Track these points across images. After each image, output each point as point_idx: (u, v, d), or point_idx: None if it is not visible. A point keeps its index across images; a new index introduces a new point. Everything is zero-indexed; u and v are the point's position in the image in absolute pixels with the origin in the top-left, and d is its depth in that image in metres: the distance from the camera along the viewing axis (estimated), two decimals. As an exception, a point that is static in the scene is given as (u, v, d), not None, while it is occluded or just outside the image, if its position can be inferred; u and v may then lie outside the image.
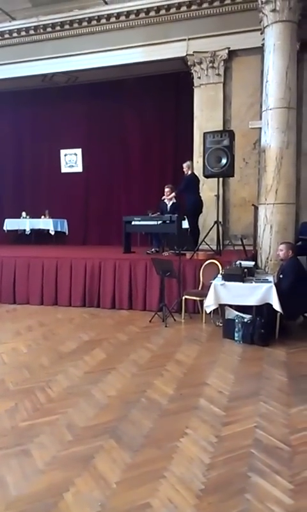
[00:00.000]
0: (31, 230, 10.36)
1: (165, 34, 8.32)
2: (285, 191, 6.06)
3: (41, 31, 9.02)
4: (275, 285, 4.80)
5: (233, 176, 7.03)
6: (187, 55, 8.32)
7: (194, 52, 8.25)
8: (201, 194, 7.26)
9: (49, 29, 8.96)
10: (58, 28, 8.91)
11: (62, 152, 11.17)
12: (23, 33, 9.16)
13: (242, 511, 1.99)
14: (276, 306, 4.62)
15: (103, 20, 8.57)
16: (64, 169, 11.23)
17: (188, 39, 8.24)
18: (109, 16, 8.50)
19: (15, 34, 9.21)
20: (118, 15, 8.42)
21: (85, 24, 8.69)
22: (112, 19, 8.51)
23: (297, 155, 6.47)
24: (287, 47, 5.96)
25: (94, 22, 8.63)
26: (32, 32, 9.09)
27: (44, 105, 10.77)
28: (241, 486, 2.18)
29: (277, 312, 4.69)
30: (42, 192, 11.20)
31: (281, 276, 5.15)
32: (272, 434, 2.69)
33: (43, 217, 10.45)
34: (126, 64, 8.78)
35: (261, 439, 2.64)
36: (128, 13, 8.36)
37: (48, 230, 10.24)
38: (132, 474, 2.29)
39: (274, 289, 4.67)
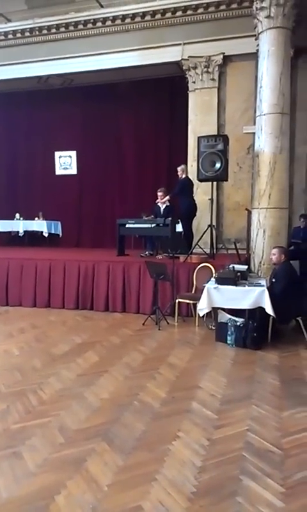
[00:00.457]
0: (25, 231, 10.32)
1: (160, 38, 8.37)
2: (278, 195, 6.10)
3: (37, 33, 9.04)
4: (268, 289, 4.83)
5: (226, 180, 7.08)
6: (182, 59, 8.38)
7: (189, 56, 8.31)
8: (195, 198, 7.28)
9: (45, 31, 8.99)
10: (54, 30, 8.94)
11: (57, 153, 11.17)
12: (18, 35, 9.18)
13: (234, 514, 2.00)
14: (269, 310, 4.64)
15: (99, 24, 8.62)
16: (59, 171, 11.24)
17: (184, 43, 8.30)
18: (104, 20, 8.55)
19: (10, 36, 9.22)
20: (114, 18, 8.47)
21: (81, 26, 8.73)
22: (108, 22, 8.56)
23: (290, 160, 6.52)
24: (281, 53, 6.02)
25: (90, 25, 8.67)
26: (27, 34, 9.11)
27: (39, 107, 10.78)
28: (233, 489, 2.18)
29: (269, 315, 4.72)
30: (36, 194, 11.18)
31: (273, 280, 5.18)
32: (264, 438, 2.70)
33: (36, 219, 10.42)
34: (121, 67, 8.83)
35: (253, 442, 2.65)
36: (123, 17, 8.40)
37: (42, 232, 10.21)
38: (124, 477, 2.28)
39: (266, 293, 4.69)
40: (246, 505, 2.06)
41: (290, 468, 2.37)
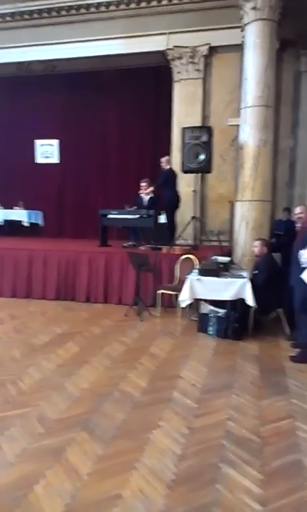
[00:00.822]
0: (4, 221, 10.13)
1: (145, 27, 8.26)
2: (261, 188, 6.13)
3: (19, 18, 8.81)
4: (250, 280, 4.86)
5: (210, 172, 7.07)
6: (167, 49, 8.30)
7: (174, 46, 8.23)
8: (178, 190, 7.27)
9: (27, 16, 8.77)
10: (36, 16, 8.73)
11: (38, 142, 10.97)
12: None
13: (213, 501, 2.01)
14: (250, 301, 4.68)
15: (83, 10, 8.45)
16: (40, 159, 11.04)
17: (169, 33, 8.22)
18: (88, 6, 8.38)
19: (-9, 20, 8.97)
20: (98, 5, 8.31)
21: (64, 12, 8.55)
22: (92, 9, 8.40)
23: (273, 153, 6.55)
24: (267, 45, 6.01)
25: (73, 12, 8.50)
26: (9, 18, 8.87)
27: (20, 94, 10.54)
28: (212, 477, 2.20)
29: (251, 307, 4.76)
30: (16, 183, 10.95)
31: (255, 272, 5.21)
32: (243, 426, 2.73)
33: (17, 208, 10.24)
34: (105, 55, 8.69)
35: (232, 430, 2.68)
36: (108, 4, 8.26)
37: (22, 222, 10.03)
38: (104, 466, 2.28)
39: (248, 285, 4.72)
40: (225, 492, 2.08)
41: (268, 456, 2.40)
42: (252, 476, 2.21)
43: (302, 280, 3.97)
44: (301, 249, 4.06)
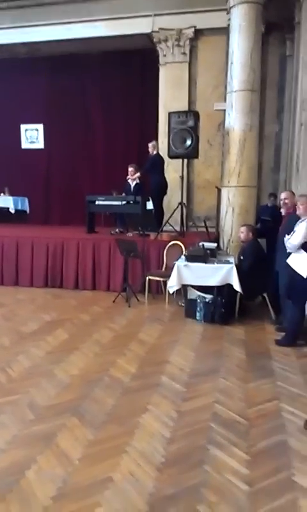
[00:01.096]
0: (-10, 208, 10.00)
1: (130, 8, 8.08)
2: (247, 174, 6.14)
3: (1, -2, 8.54)
4: (236, 266, 4.91)
5: (197, 157, 7.04)
6: (152, 31, 8.15)
7: (159, 28, 8.09)
8: (165, 175, 7.24)
9: (9, -3, 8.50)
10: (18, -4, 8.46)
11: (23, 126, 10.76)
12: (-20, 0, 8.64)
13: (201, 482, 2.08)
14: (236, 286, 4.74)
15: (67, -9, 8.22)
16: (25, 145, 10.85)
17: (154, 15, 8.06)
18: (72, -13, 8.16)
19: (-29, 1, 8.67)
20: (82, -15, 8.09)
21: (48, -7, 8.30)
22: (76, -11, 8.17)
23: (259, 138, 6.54)
24: (252, 29, 5.95)
25: (57, -8, 8.26)
26: (-10, -1, 8.59)
27: (3, 76, 10.27)
28: (200, 458, 2.26)
29: (237, 292, 4.82)
30: (1, 169, 10.76)
31: (241, 257, 5.27)
32: (230, 409, 2.80)
33: (2, 194, 10.11)
34: (88, 37, 8.50)
35: (219, 413, 2.74)
36: (92, -16, 8.05)
37: (8, 208, 9.91)
38: (94, 450, 2.32)
39: (234, 270, 4.78)
40: (213, 473, 2.15)
41: (254, 437, 2.48)
42: (239, 457, 2.28)
43: (287, 265, 4.03)
44: (286, 235, 4.11)
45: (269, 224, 6.50)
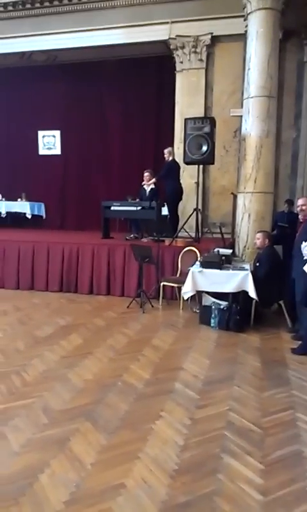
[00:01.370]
0: (7, 213, 10.16)
1: (147, 16, 8.17)
2: (264, 180, 6.11)
3: (20, 7, 8.72)
4: (252, 273, 4.87)
5: (213, 163, 7.03)
6: (169, 38, 8.22)
7: (176, 35, 8.15)
8: (181, 181, 7.25)
9: (28, 6, 8.68)
10: (38, 5, 8.64)
11: (40, 133, 10.94)
12: (1, 9, 8.84)
13: (214, 491, 2.05)
14: (252, 293, 4.69)
15: (85, -1, 8.36)
16: (42, 151, 11.02)
17: (171, 22, 8.13)
18: (90, -5, 8.29)
19: (-8, 10, 8.88)
20: (100, -6, 8.22)
21: (66, 1, 8.46)
22: (94, -2, 8.30)
23: (276, 145, 6.51)
24: (270, 35, 5.94)
25: (75, 1, 8.41)
26: (10, 8, 8.78)
27: (22, 84, 10.49)
28: (213, 467, 2.24)
29: (252, 299, 4.77)
30: (19, 175, 10.97)
31: (257, 264, 5.23)
32: (245, 417, 2.77)
33: (19, 200, 10.26)
34: (106, 45, 8.61)
35: (234, 421, 2.71)
36: (110, -7, 8.16)
37: (25, 213, 10.06)
38: (107, 456, 2.32)
39: (250, 277, 4.74)
40: (226, 482, 2.12)
41: (269, 447, 2.44)
42: (253, 466, 2.25)
43: (304, 273, 3.98)
44: (304, 242, 4.06)
45: (286, 231, 6.44)
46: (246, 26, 6.29)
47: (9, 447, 2.38)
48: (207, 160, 6.68)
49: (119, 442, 2.45)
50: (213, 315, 4.81)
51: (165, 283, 5.74)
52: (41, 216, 10.47)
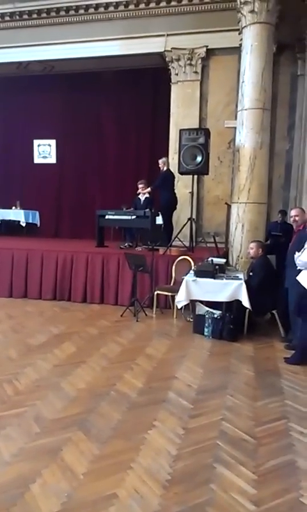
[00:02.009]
0: (1, 220, 10.15)
1: (144, 28, 8.30)
2: (257, 190, 6.16)
3: (18, 17, 8.83)
4: (245, 282, 4.90)
5: (207, 174, 7.10)
6: (165, 51, 8.33)
7: (172, 48, 8.27)
8: (176, 191, 7.29)
9: (26, 16, 8.79)
10: (35, 16, 8.75)
11: (36, 142, 10.99)
12: (-2, 19, 8.94)
13: (207, 501, 2.04)
14: (245, 302, 4.71)
15: (82, 11, 8.48)
16: (38, 159, 11.07)
17: (167, 35, 8.26)
18: (87, 7, 8.42)
19: (-10, 20, 8.97)
20: (97, 6, 8.35)
21: (63, 13, 8.57)
22: (91, 10, 8.43)
23: (269, 156, 6.59)
24: (264, 49, 6.04)
25: (72, 12, 8.53)
26: (8, 18, 8.89)
27: (18, 93, 10.56)
28: (206, 477, 2.22)
29: (246, 308, 4.79)
30: (14, 183, 10.99)
31: (250, 273, 5.25)
32: (238, 427, 2.76)
33: (14, 208, 10.25)
34: (103, 56, 8.71)
35: (227, 431, 2.70)
36: (107, 5, 8.29)
37: (19, 221, 10.05)
38: (100, 465, 2.30)
39: (243, 286, 4.76)
40: (219, 492, 2.11)
41: (262, 456, 2.43)
42: (246, 476, 2.24)
43: (297, 282, 4.00)
44: (296, 252, 4.10)
45: (280, 240, 6.49)
46: (241, 40, 6.39)
47: (1, 456, 2.36)
48: (201, 170, 6.74)
49: (112, 452, 2.43)
50: (206, 324, 4.81)
51: (159, 292, 5.74)
52: (36, 224, 10.46)
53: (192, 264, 5.65)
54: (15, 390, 3.25)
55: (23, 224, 10.05)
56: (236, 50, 7.21)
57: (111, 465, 2.30)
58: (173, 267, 5.95)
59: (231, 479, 2.21)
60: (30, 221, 10.23)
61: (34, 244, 7.59)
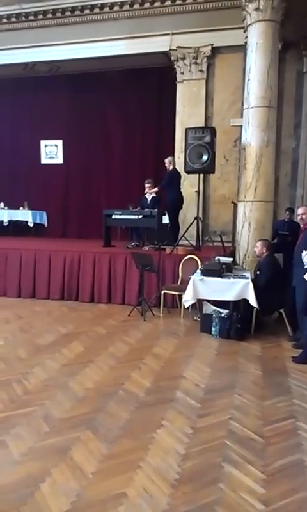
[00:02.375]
0: (9, 221, 10.20)
1: (149, 27, 8.29)
2: (264, 188, 6.14)
3: (23, 18, 8.86)
4: (253, 281, 4.89)
5: (213, 172, 7.09)
6: (170, 50, 8.32)
7: (177, 47, 8.26)
8: (182, 190, 7.29)
9: (31, 17, 8.82)
10: (41, 17, 8.78)
11: (43, 142, 11.03)
12: (4, 20, 8.99)
13: (216, 500, 2.04)
14: (253, 301, 4.70)
15: (87, 11, 8.50)
16: (44, 160, 11.11)
17: (172, 34, 8.24)
18: (92, 7, 8.43)
19: (-4, 21, 9.02)
20: (102, 6, 8.36)
21: (68, 13, 8.59)
22: (96, 10, 8.45)
23: (276, 154, 6.57)
24: (269, 47, 6.02)
25: (77, 12, 8.54)
26: (14, 19, 8.93)
27: (24, 94, 10.61)
28: (215, 476, 2.23)
29: (253, 307, 4.78)
30: (21, 183, 11.04)
31: (258, 272, 5.24)
32: (246, 426, 2.76)
33: (21, 208, 10.31)
34: (108, 56, 8.72)
35: (235, 430, 2.71)
36: (112, 5, 8.30)
37: (27, 222, 10.10)
38: (108, 465, 2.31)
39: (251, 285, 4.75)
40: (228, 491, 2.11)
41: (271, 456, 2.43)
42: (255, 476, 2.24)
43: (304, 281, 3.99)
44: (304, 250, 4.08)
45: (287, 239, 6.47)
46: (246, 38, 6.37)
47: (10, 456, 2.38)
48: (208, 169, 6.73)
49: (120, 451, 2.45)
50: (214, 324, 4.81)
51: (166, 291, 5.75)
52: (43, 225, 10.52)
53: (199, 263, 5.65)
54: (24, 390, 3.27)
55: (31, 225, 10.10)
56: (242, 48, 7.18)
57: (120, 464, 2.31)
58: (180, 266, 5.96)
59: (239, 479, 2.22)
60: (38, 221, 10.29)
61: (41, 245, 7.63)
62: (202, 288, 4.93)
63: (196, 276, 5.02)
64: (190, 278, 5.03)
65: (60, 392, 3.24)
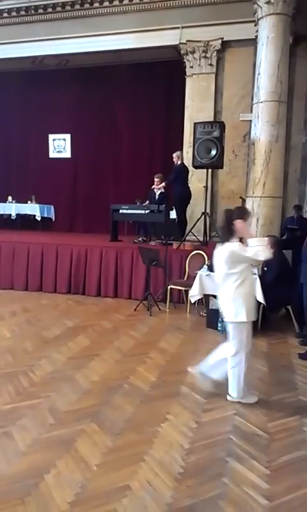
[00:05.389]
0: (17, 214, 10.24)
1: (158, 21, 8.21)
2: (273, 184, 6.09)
3: (33, 12, 8.81)
4: (260, 277, 4.86)
5: (222, 168, 7.04)
6: (180, 43, 8.24)
7: (187, 40, 8.17)
8: (189, 185, 7.26)
9: (41, 11, 8.77)
10: (50, 10, 8.72)
11: (51, 136, 11.03)
12: (14, 13, 8.94)
13: (219, 494, 2.05)
14: (259, 298, 4.68)
15: (96, 4, 8.43)
16: (53, 154, 11.11)
17: (182, 27, 8.15)
18: (102, 0, 8.36)
19: (5, 15, 8.98)
20: (112, -1, 8.29)
21: (78, 6, 8.53)
22: (106, 3, 8.37)
23: (285, 149, 6.50)
24: (280, 40, 5.94)
25: (87, 6, 8.48)
26: (23, 13, 8.88)
27: (33, 88, 10.59)
28: (219, 471, 2.23)
29: (260, 303, 4.76)
30: (29, 177, 11.06)
31: (265, 268, 5.21)
32: (251, 422, 2.76)
33: (29, 202, 10.34)
34: (118, 50, 8.66)
35: (240, 426, 2.71)
36: (122, -2, 8.23)
37: (35, 216, 10.14)
38: (113, 457, 2.33)
39: (258, 281, 4.72)
40: (232, 485, 2.11)
41: (275, 451, 2.43)
42: (259, 471, 2.24)
43: (312, 278, 3.96)
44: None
45: (296, 233, 6.40)
46: (257, 31, 6.29)
47: (16, 447, 2.40)
48: (216, 164, 6.69)
49: (125, 444, 2.46)
50: (220, 319, 4.79)
51: (172, 286, 5.74)
52: (51, 219, 10.54)
53: (206, 258, 5.63)
54: (30, 382, 3.30)
55: (39, 219, 10.13)
56: (252, 42, 7.08)
57: (124, 457, 2.32)
58: (187, 261, 5.94)
59: (243, 473, 2.22)
60: (45, 215, 10.32)
61: (49, 238, 7.65)
62: (209, 283, 4.91)
63: (203, 272, 5.01)
64: (196, 274, 5.02)
65: (66, 384, 3.26)
